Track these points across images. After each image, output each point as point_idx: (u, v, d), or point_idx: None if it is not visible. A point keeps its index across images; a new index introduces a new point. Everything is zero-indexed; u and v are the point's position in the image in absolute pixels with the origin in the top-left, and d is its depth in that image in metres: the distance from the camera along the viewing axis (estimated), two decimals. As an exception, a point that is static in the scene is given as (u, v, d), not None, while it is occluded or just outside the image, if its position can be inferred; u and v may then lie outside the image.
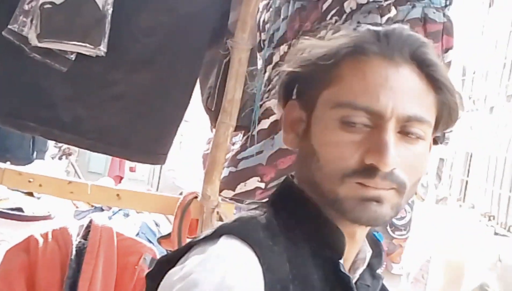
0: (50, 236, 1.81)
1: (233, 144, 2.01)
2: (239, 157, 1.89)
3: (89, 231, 1.85)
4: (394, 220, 3.59)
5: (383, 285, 0.95)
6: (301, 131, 0.90)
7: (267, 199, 0.96)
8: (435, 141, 0.93)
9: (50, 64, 1.65)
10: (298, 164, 0.94)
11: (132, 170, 5.62)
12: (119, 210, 4.25)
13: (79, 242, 1.83)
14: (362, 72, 0.84)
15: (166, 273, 0.83)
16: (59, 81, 1.72)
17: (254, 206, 0.95)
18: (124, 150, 1.81)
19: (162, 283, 0.81)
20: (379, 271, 0.94)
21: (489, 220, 1.39)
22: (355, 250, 0.91)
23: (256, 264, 0.79)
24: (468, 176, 1.55)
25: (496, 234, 1.32)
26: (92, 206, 4.42)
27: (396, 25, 0.91)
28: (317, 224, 0.87)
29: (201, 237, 0.84)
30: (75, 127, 1.76)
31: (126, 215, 4.14)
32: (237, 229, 0.83)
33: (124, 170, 5.48)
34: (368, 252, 0.93)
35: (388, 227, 3.66)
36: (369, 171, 0.82)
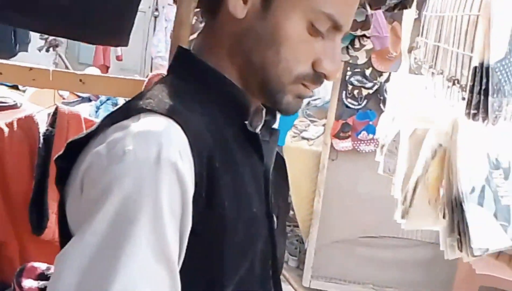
0: (15, 124, 1.78)
1: (201, 23, 1.92)
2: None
3: (56, 118, 1.81)
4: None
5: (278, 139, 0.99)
6: (256, 2, 0.85)
7: (165, 74, 0.94)
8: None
9: None
10: (233, 34, 0.88)
11: (118, 58, 5.49)
12: (107, 99, 4.23)
13: (46, 129, 1.80)
14: None
15: (79, 154, 0.80)
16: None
17: (154, 84, 0.91)
18: (83, 32, 1.72)
19: (88, 163, 0.76)
20: (274, 126, 0.98)
21: (454, 84, 1.33)
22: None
23: (183, 136, 0.77)
24: (439, 42, 1.45)
25: (463, 98, 1.27)
26: (79, 96, 4.39)
27: None
28: (225, 88, 0.88)
29: (114, 116, 0.80)
30: (32, 10, 1.66)
31: (115, 104, 4.12)
32: (154, 105, 0.79)
33: (109, 59, 5.36)
34: (263, 110, 0.95)
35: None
36: (318, 78, 0.86)
